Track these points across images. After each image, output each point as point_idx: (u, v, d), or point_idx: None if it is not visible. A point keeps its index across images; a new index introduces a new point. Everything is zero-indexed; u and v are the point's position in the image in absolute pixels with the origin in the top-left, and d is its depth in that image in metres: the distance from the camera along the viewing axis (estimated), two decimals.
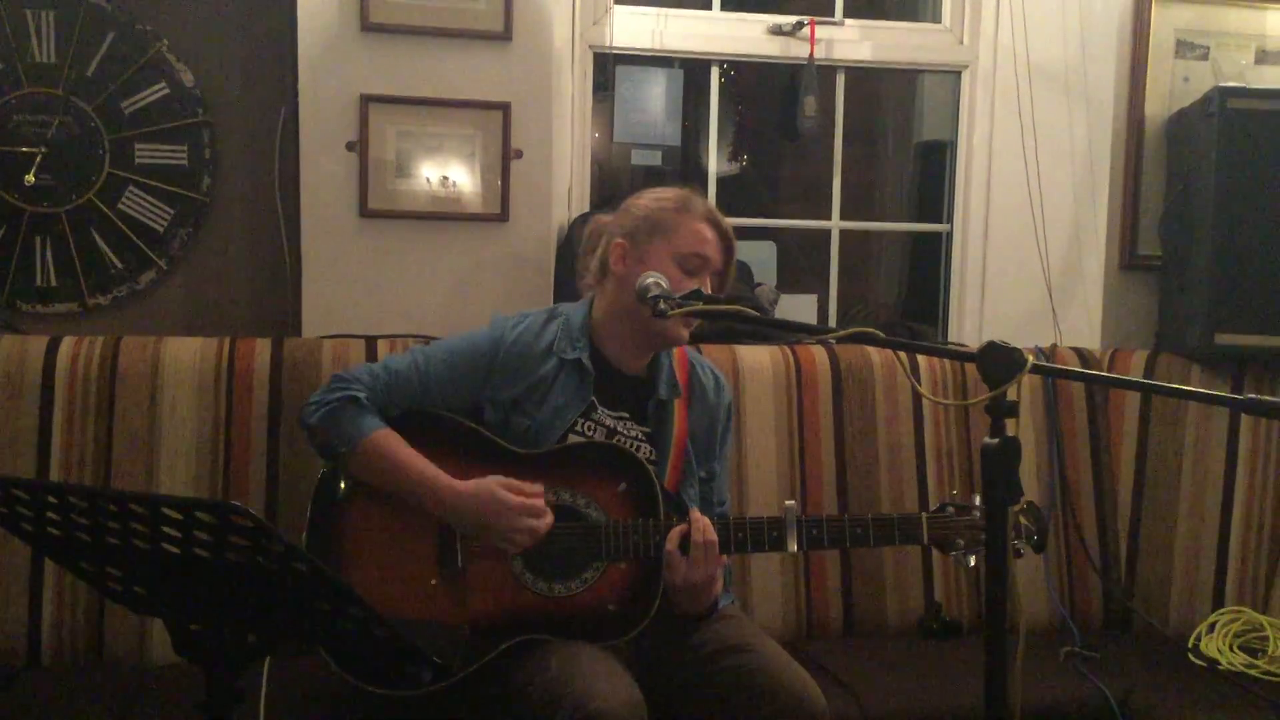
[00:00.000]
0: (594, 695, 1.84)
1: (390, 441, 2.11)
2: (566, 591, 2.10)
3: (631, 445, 2.22)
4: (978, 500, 2.16)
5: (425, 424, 2.17)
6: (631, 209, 2.27)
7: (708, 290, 2.14)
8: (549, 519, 2.06)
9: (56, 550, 1.47)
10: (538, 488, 2.08)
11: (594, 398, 2.22)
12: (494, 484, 2.06)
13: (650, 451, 2.24)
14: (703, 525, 2.07)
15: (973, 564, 2.14)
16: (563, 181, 3.08)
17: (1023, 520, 2.15)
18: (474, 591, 2.10)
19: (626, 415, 2.25)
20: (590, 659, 1.97)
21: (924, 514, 2.17)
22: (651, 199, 2.26)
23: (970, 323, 3.43)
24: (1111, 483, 2.95)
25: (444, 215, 2.86)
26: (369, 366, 2.21)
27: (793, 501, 2.15)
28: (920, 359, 2.89)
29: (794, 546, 2.11)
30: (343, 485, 2.16)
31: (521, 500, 2.05)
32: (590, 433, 2.21)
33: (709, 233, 2.20)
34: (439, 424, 2.18)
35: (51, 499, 1.32)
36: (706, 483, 2.32)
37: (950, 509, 2.18)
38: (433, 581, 2.10)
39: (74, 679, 2.31)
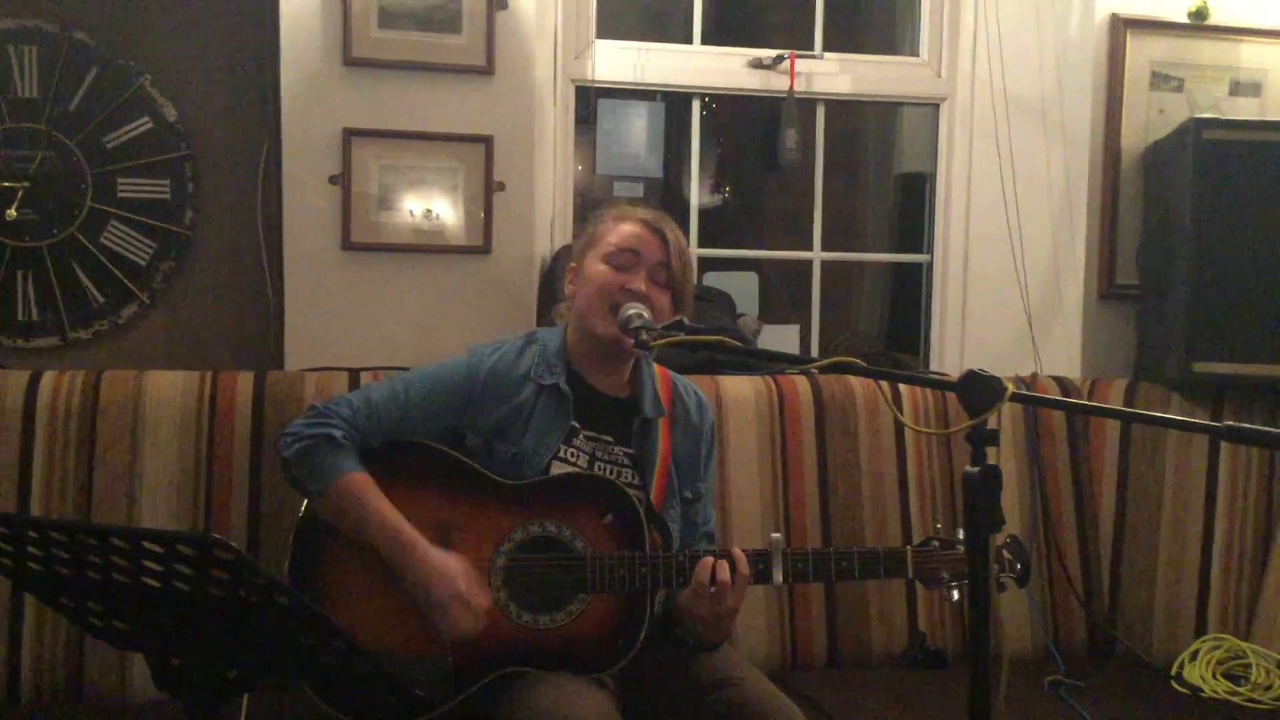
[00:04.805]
0: None
1: (361, 486, 2.06)
2: (551, 624, 2.08)
3: (613, 469, 2.22)
4: (961, 535, 2.16)
5: (410, 454, 2.15)
6: (581, 234, 2.33)
7: (643, 286, 2.15)
8: (479, 625, 2.02)
9: (36, 585, 1.45)
10: (487, 595, 2.05)
11: (575, 422, 2.22)
12: (463, 569, 2.03)
13: (633, 475, 2.23)
14: (741, 559, 2.06)
15: (956, 598, 2.14)
16: (545, 213, 3.09)
17: (1006, 554, 2.15)
18: None
19: (611, 439, 2.24)
20: (573, 691, 1.96)
21: (909, 548, 2.17)
22: (593, 218, 2.32)
23: (951, 352, 3.45)
24: (1093, 511, 2.96)
25: (426, 248, 2.87)
26: (348, 398, 2.17)
27: (778, 534, 2.15)
28: (902, 388, 2.89)
29: (779, 579, 2.11)
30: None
31: (470, 596, 2.02)
32: (574, 458, 2.20)
33: (637, 229, 2.22)
34: (423, 454, 2.15)
35: (31, 533, 1.31)
36: (691, 504, 2.31)
37: (935, 543, 2.18)
38: (417, 613, 2.08)
39: (54, 715, 2.29)
